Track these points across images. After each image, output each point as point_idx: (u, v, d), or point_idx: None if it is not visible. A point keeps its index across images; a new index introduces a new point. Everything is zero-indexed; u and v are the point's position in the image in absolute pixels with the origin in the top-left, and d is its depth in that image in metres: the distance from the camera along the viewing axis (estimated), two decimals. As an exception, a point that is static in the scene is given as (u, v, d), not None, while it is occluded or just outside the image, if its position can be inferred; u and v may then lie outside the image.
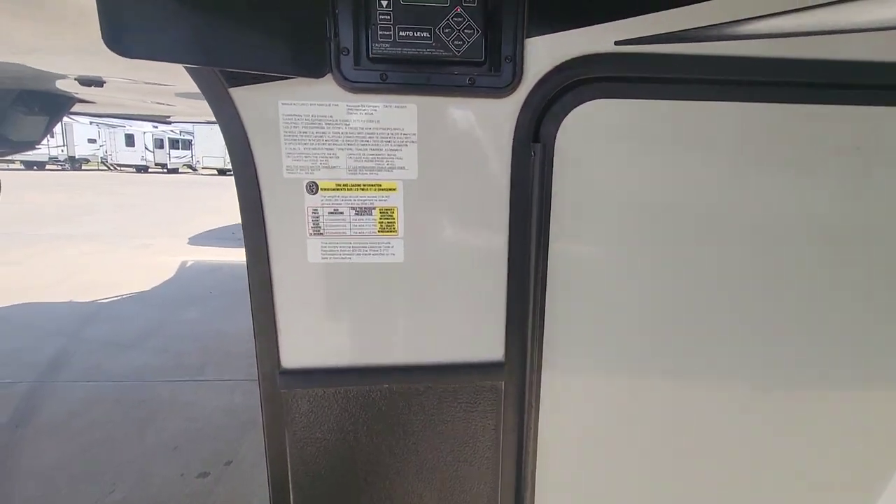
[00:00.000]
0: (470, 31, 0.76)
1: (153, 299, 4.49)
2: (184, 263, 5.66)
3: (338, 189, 0.83)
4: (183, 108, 3.25)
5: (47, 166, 21.17)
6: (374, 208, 0.85)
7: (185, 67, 0.74)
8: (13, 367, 3.09)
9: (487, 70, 0.79)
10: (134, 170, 21.92)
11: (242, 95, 0.78)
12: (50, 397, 2.80)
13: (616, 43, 0.77)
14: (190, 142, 22.62)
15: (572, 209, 0.83)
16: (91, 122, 20.20)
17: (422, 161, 0.82)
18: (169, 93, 2.32)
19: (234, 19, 0.69)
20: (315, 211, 0.84)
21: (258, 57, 0.73)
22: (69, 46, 1.44)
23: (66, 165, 22.01)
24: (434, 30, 0.76)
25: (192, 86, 0.82)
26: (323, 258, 0.84)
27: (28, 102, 2.08)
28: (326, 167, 0.82)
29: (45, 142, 20.39)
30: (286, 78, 0.78)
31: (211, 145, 20.62)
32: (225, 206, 9.79)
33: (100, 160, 22.79)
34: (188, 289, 4.77)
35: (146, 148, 22.30)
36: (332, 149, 0.82)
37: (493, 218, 0.85)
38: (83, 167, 22.40)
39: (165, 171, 22.67)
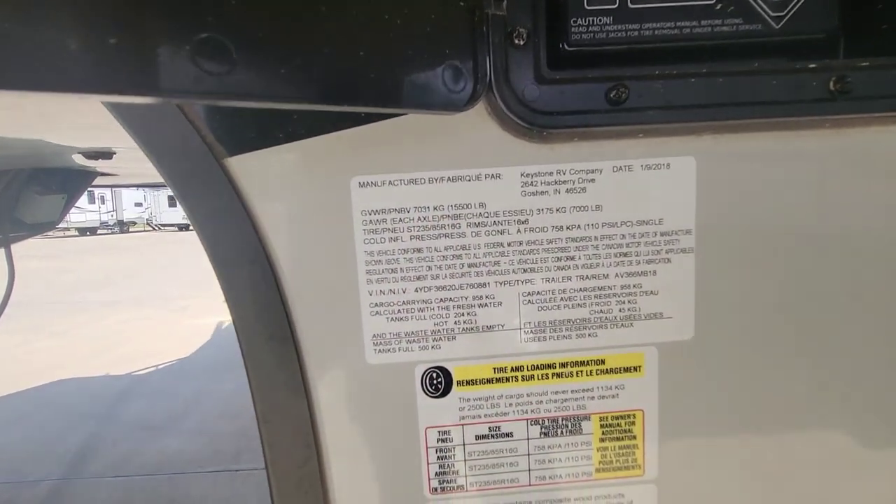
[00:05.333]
0: None
1: (189, 368, 4.28)
2: (220, 325, 5.50)
3: (501, 381, 0.36)
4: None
5: (98, 231, 22.46)
6: (586, 417, 0.37)
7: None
8: (41, 461, 2.85)
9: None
10: (176, 228, 22.97)
11: (253, 170, 0.33)
12: (74, 498, 2.51)
13: None
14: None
15: None
16: (137, 188, 21.47)
17: (701, 291, 0.35)
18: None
19: None
20: (444, 438, 0.36)
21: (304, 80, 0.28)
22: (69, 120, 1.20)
23: (116, 229, 23.30)
24: None
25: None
26: None
27: (44, 181, 1.84)
28: (471, 330, 0.35)
29: (97, 207, 21.81)
30: (363, 122, 0.33)
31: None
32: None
33: (145, 222, 24.04)
34: (224, 354, 4.54)
35: (187, 207, 23.38)
36: (486, 283, 0.35)
37: None
38: (130, 229, 23.66)
39: (206, 227, 23.57)
